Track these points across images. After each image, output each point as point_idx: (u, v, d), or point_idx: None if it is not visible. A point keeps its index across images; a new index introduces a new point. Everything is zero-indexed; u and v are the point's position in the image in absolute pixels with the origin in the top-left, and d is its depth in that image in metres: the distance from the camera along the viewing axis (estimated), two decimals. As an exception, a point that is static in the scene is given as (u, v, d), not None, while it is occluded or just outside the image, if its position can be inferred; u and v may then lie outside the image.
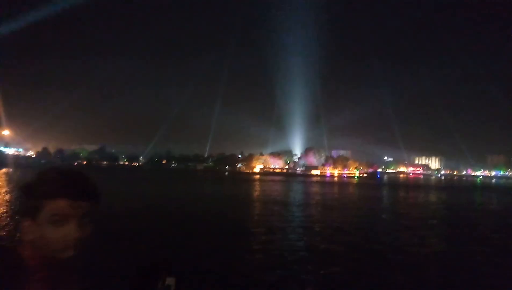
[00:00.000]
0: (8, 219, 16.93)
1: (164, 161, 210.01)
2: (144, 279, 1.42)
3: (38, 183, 1.21)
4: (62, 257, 1.18)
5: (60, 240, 1.16)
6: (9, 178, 51.81)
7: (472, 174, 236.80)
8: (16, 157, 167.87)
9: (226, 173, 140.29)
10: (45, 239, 1.16)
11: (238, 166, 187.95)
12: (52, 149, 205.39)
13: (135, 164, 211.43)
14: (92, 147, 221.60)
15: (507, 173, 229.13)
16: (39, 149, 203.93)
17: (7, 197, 26.40)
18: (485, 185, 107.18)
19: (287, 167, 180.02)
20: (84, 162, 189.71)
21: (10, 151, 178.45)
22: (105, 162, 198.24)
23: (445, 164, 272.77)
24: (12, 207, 21.00)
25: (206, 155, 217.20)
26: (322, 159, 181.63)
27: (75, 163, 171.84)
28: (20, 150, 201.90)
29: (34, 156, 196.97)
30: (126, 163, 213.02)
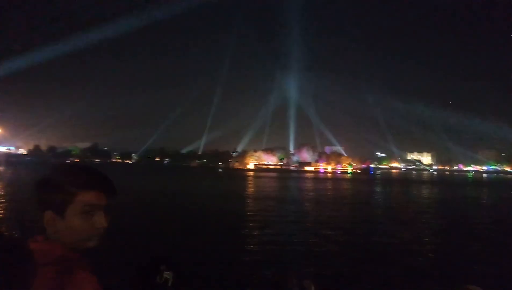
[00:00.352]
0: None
1: (158, 158, 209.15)
2: (143, 273, 1.45)
3: (61, 176, 1.24)
4: (90, 246, 1.24)
5: (89, 229, 1.22)
6: (1, 176, 51.39)
7: (464, 169, 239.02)
8: (7, 155, 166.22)
9: (220, 170, 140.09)
10: (73, 229, 1.20)
11: (232, 162, 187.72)
12: (43, 147, 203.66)
13: (128, 161, 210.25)
14: (84, 145, 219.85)
15: (498, 167, 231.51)
16: (31, 147, 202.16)
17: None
18: (477, 180, 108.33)
19: (280, 163, 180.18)
20: (77, 160, 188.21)
21: (1, 149, 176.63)
22: (97, 160, 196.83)
23: (437, 160, 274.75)
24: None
25: (200, 152, 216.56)
26: (316, 155, 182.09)
27: (68, 161, 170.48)
28: (12, 148, 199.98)
29: (25, 154, 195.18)
30: (119, 160, 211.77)
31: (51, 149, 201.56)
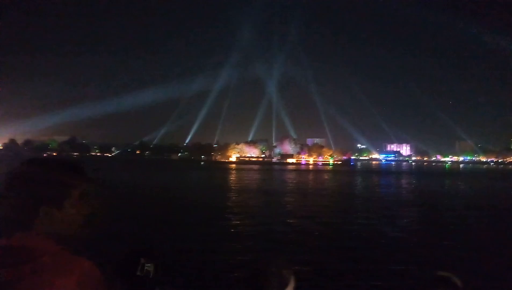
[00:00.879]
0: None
1: (138, 151, 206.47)
2: (123, 266, 1.45)
3: (54, 170, 1.26)
4: (76, 233, 1.27)
5: (80, 217, 1.27)
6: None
7: (441, 160, 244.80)
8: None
9: (202, 163, 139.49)
10: (69, 219, 1.25)
11: (214, 155, 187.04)
12: (19, 140, 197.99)
13: (108, 154, 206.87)
14: (62, 138, 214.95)
15: (474, 158, 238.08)
16: (6, 140, 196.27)
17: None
18: (453, 170, 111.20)
19: (263, 155, 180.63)
20: (54, 154, 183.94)
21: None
22: (76, 153, 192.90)
23: (416, 151, 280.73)
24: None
25: (186, 144, 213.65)
26: (298, 147, 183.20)
27: (45, 155, 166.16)
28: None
29: (0, 147, 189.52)
30: (98, 153, 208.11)
31: (28, 142, 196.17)
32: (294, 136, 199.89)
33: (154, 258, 1.48)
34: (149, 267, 1.44)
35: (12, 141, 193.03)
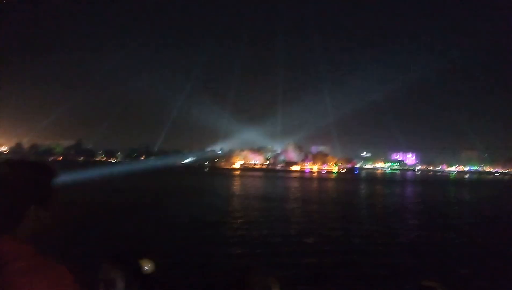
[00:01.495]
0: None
1: (143, 157, 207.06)
2: (123, 265, 1.44)
3: (38, 171, 1.25)
4: (72, 232, 1.39)
5: (69, 219, 1.45)
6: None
7: (447, 169, 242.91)
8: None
9: (206, 169, 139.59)
10: (52, 218, 1.24)
11: (218, 162, 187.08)
12: (26, 144, 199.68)
13: (113, 159, 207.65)
14: (68, 143, 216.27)
15: (480, 168, 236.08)
16: (13, 144, 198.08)
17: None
18: (459, 180, 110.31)
19: (267, 163, 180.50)
20: (60, 158, 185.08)
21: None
22: (81, 158, 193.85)
23: (421, 160, 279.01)
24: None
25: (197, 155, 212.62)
26: (302, 155, 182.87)
27: (50, 159, 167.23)
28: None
29: (6, 152, 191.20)
30: (104, 159, 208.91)
31: (33, 146, 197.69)
32: (303, 144, 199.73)
33: (153, 258, 1.47)
34: (150, 266, 1.44)
35: (18, 145, 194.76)
